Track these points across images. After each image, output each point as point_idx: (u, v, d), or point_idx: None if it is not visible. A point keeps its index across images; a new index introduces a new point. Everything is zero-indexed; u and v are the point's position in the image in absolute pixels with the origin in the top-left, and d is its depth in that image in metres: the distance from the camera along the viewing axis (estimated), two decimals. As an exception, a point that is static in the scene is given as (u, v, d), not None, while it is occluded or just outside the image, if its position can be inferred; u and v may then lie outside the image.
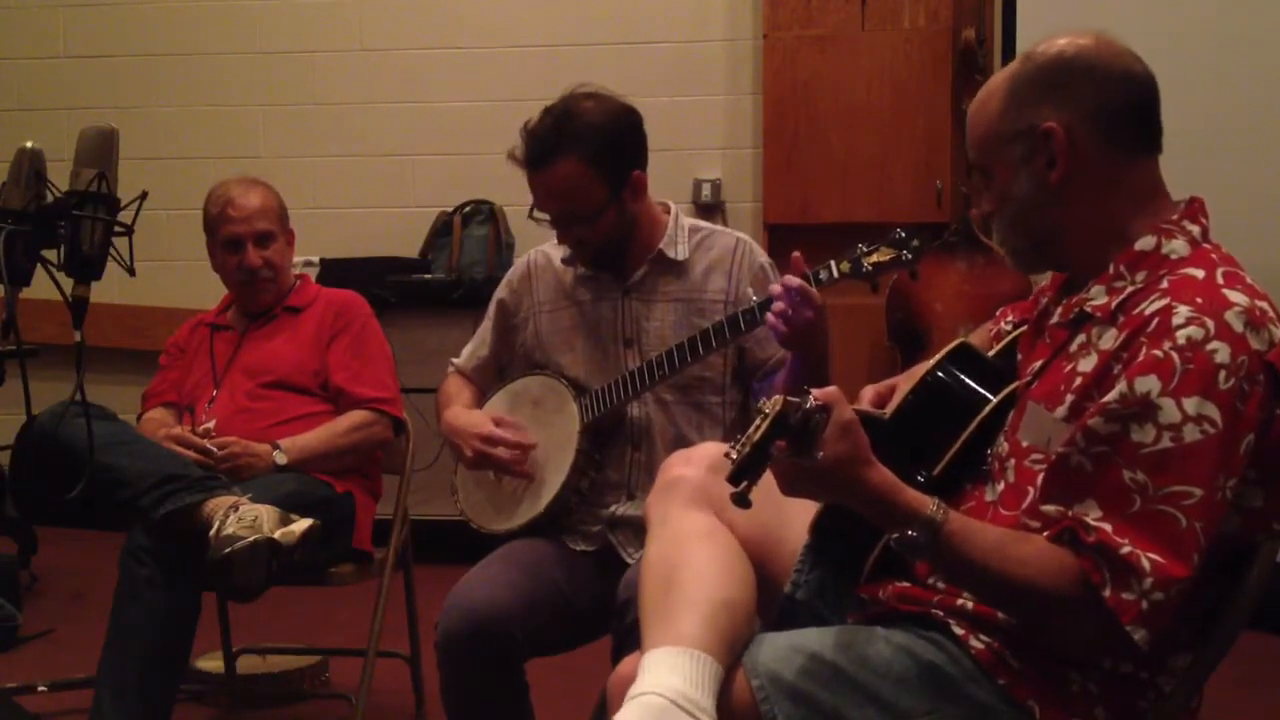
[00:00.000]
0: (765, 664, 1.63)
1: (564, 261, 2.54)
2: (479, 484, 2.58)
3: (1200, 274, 1.56)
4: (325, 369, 3.05)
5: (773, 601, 1.83)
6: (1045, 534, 1.54)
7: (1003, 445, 1.69)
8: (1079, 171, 1.63)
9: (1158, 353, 1.50)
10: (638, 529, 2.24)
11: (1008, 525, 1.59)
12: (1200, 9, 4.09)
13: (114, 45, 5.32)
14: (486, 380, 2.66)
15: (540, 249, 2.62)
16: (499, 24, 5.13)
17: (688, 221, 2.54)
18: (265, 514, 2.52)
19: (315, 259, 4.84)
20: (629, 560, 2.37)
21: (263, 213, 3.10)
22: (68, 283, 2.05)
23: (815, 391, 1.51)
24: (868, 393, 1.91)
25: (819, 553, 1.83)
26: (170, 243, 4.91)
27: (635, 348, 2.47)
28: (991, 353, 1.87)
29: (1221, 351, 1.48)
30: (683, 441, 2.33)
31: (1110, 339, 1.57)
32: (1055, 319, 1.69)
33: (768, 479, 1.53)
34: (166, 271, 4.98)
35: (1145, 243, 1.62)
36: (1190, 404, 1.48)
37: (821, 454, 1.50)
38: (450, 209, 4.99)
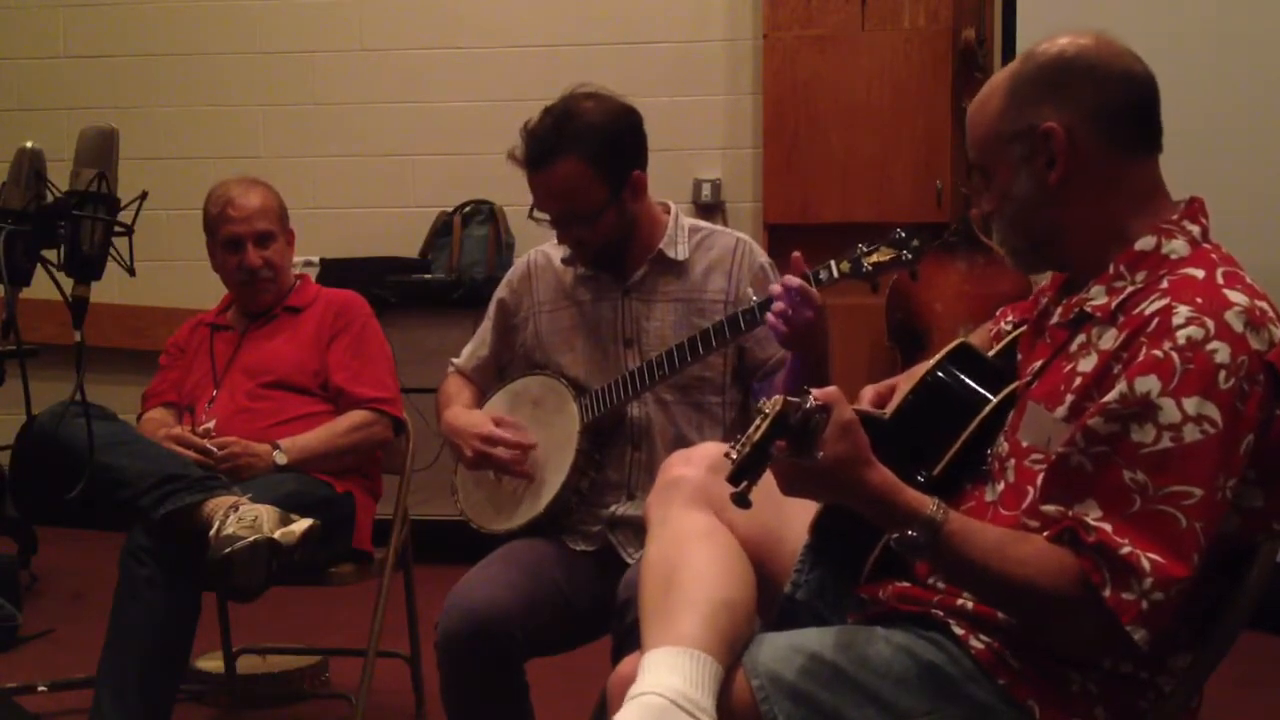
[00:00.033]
0: (765, 664, 1.63)
1: (564, 261, 2.54)
2: (479, 484, 2.58)
3: (1200, 274, 1.56)
4: (325, 369, 3.05)
5: (773, 601, 1.83)
6: (1045, 534, 1.54)
7: (1003, 445, 1.69)
8: (1079, 171, 1.63)
9: (1158, 353, 1.50)
10: (638, 529, 2.24)
11: (1008, 525, 1.59)
12: (1200, 9, 4.09)
13: (114, 45, 5.33)
14: (486, 380, 2.66)
15: (540, 249, 2.62)
16: (499, 24, 5.13)
17: (688, 221, 2.54)
18: (265, 514, 2.52)
19: (315, 259, 4.84)
20: (629, 560, 2.37)
21: (263, 213, 3.10)
22: (68, 283, 2.05)
23: (815, 391, 1.51)
24: (868, 393, 1.91)
25: (819, 553, 1.83)
26: (170, 243, 4.91)
27: (635, 348, 2.47)
28: (991, 353, 1.88)
29: (1221, 351, 1.48)
30: (683, 441, 2.33)
31: (1110, 339, 1.57)
32: (1055, 319, 1.69)
33: (768, 479, 1.53)
34: (166, 271, 4.98)
35: (1145, 243, 1.62)
36: (1190, 404, 1.48)
37: (821, 454, 1.50)
38: (450, 209, 4.99)
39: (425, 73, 5.18)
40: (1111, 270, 1.62)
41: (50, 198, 2.06)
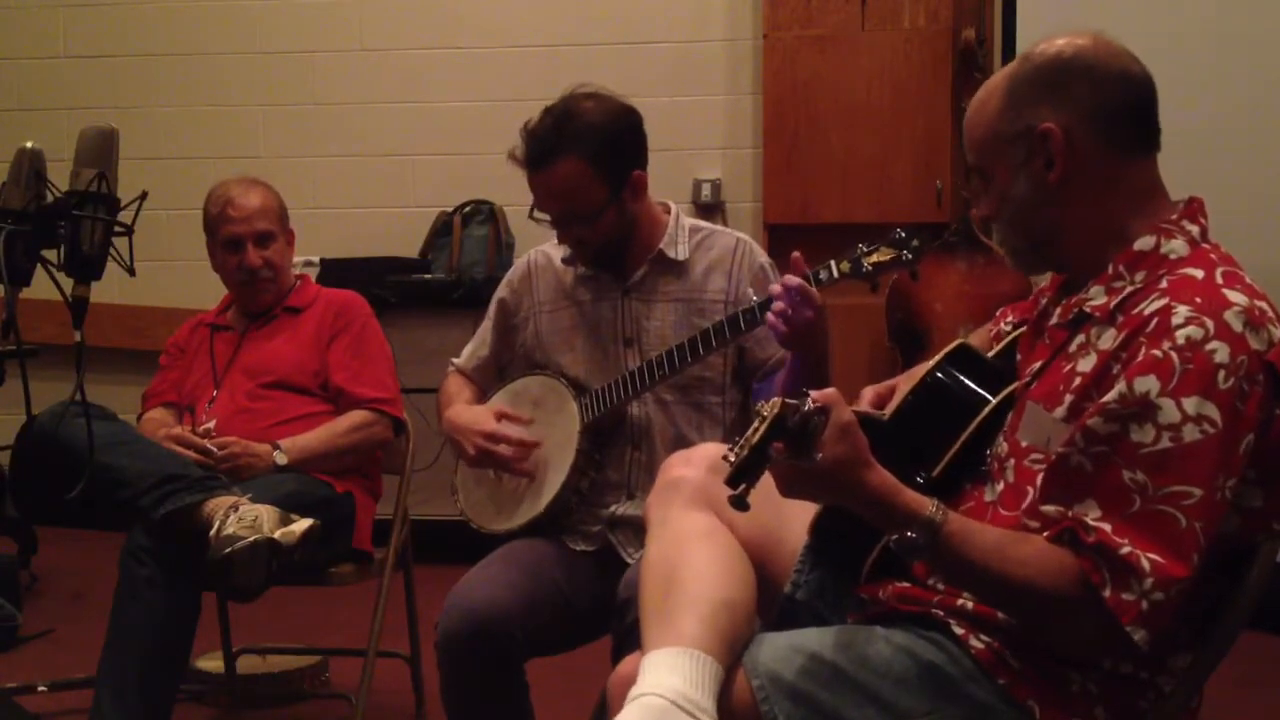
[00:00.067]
0: (765, 664, 1.63)
1: (564, 261, 2.54)
2: (480, 482, 2.58)
3: (1199, 274, 1.56)
4: (325, 369, 3.05)
5: (773, 601, 1.83)
6: (1045, 534, 1.54)
7: (1002, 446, 1.69)
8: (1078, 172, 1.63)
9: (1157, 353, 1.50)
10: (638, 529, 2.24)
11: (1007, 526, 1.59)
12: (1200, 9, 4.09)
13: (114, 45, 5.33)
14: (487, 380, 2.66)
15: (540, 249, 2.62)
16: (499, 24, 5.13)
17: (688, 221, 2.54)
18: (265, 514, 2.52)
19: (315, 259, 4.84)
20: (629, 560, 2.37)
21: (263, 213, 3.10)
22: (68, 283, 2.05)
23: (814, 393, 1.51)
24: (867, 393, 1.91)
25: (819, 553, 1.83)
26: (170, 243, 4.91)
27: (635, 347, 2.47)
28: (991, 353, 1.87)
29: (1221, 351, 1.49)
30: (683, 441, 2.34)
31: (1109, 339, 1.57)
32: (1054, 319, 1.70)
33: (767, 480, 1.53)
34: (166, 271, 4.98)
35: (1144, 243, 1.62)
36: (1190, 404, 1.48)
37: (820, 456, 1.50)
38: (450, 209, 4.99)
39: (425, 73, 5.18)
40: (1110, 270, 1.63)
41: (50, 198, 2.06)
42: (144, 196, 2.10)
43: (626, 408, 2.44)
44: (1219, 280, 1.55)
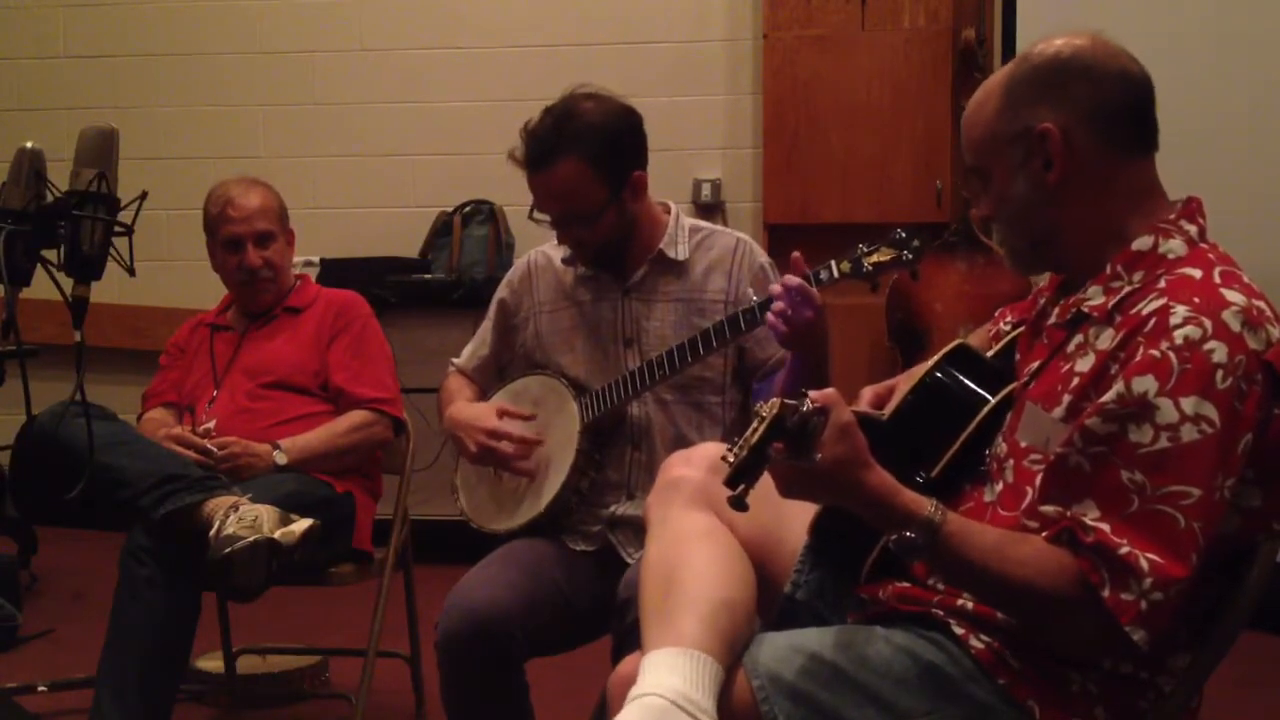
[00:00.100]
0: (765, 664, 1.63)
1: (564, 262, 2.54)
2: (480, 480, 2.58)
3: (1198, 273, 1.56)
4: (325, 369, 3.05)
5: (773, 602, 1.83)
6: (1044, 534, 1.54)
7: (1001, 446, 1.69)
8: (1076, 172, 1.63)
9: (1155, 353, 1.50)
10: (638, 529, 2.24)
11: (1007, 526, 1.59)
12: (1200, 9, 4.09)
13: (114, 45, 5.33)
14: (487, 380, 2.67)
15: (540, 249, 2.62)
16: (499, 24, 5.13)
17: (688, 221, 2.54)
18: (265, 514, 2.52)
19: (315, 259, 4.84)
20: (629, 560, 2.37)
21: (263, 213, 3.10)
22: (68, 283, 2.06)
23: (813, 394, 1.51)
24: (866, 393, 1.91)
25: (819, 553, 1.83)
26: (170, 243, 4.91)
27: (635, 348, 2.47)
28: (990, 353, 1.87)
29: (1219, 351, 1.49)
30: (683, 441, 2.34)
31: (1107, 339, 1.57)
32: (1053, 319, 1.70)
33: (767, 480, 1.53)
34: (166, 271, 4.98)
35: (1142, 243, 1.62)
36: (1188, 404, 1.48)
37: (819, 456, 1.50)
38: (450, 209, 4.99)
39: (425, 73, 5.18)
40: (1109, 270, 1.63)
41: (50, 198, 2.06)
42: (144, 196, 2.10)
43: (626, 408, 2.44)
44: (1217, 280, 1.55)
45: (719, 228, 2.56)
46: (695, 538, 1.77)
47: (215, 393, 3.04)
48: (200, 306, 3.45)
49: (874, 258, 2.18)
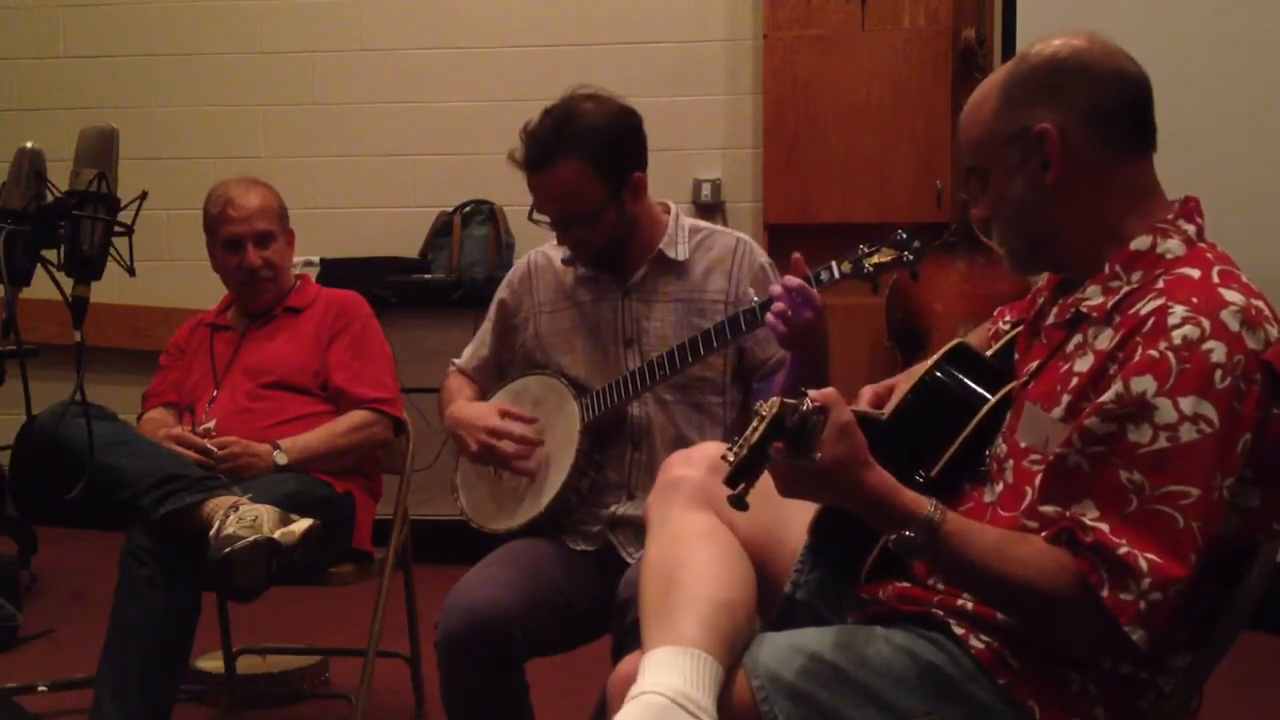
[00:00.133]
0: (765, 664, 1.63)
1: (564, 262, 2.54)
2: (481, 479, 2.58)
3: (1196, 273, 1.56)
4: (325, 369, 3.05)
5: (773, 602, 1.83)
6: (1043, 534, 1.54)
7: (1000, 446, 1.69)
8: (1074, 172, 1.63)
9: (1153, 353, 1.50)
10: (638, 529, 2.24)
11: (1007, 526, 1.59)
12: (1200, 9, 4.09)
13: (114, 45, 5.33)
14: (487, 380, 2.67)
15: (540, 249, 2.62)
16: (499, 24, 5.13)
17: (688, 222, 2.54)
18: (265, 514, 2.52)
19: (315, 259, 4.85)
20: (629, 560, 2.37)
21: (263, 213, 3.10)
22: (68, 283, 2.06)
23: (812, 393, 1.51)
24: (866, 393, 1.91)
25: (819, 553, 1.83)
26: (170, 243, 4.91)
27: (635, 348, 2.47)
28: (990, 352, 1.87)
29: (1218, 351, 1.49)
30: (683, 441, 2.34)
31: (1106, 339, 1.57)
32: (1051, 319, 1.70)
33: (767, 480, 1.53)
34: (166, 271, 4.99)
35: (1141, 242, 1.62)
36: (1186, 404, 1.48)
37: (819, 455, 1.50)
38: (450, 209, 4.99)
39: (425, 73, 5.18)
40: (1107, 270, 1.63)
41: (50, 198, 2.06)
42: (144, 196, 2.10)
43: (627, 408, 2.44)
44: (1215, 279, 1.55)
45: (719, 228, 2.56)
46: (695, 538, 1.77)
47: (215, 393, 3.04)
48: (200, 306, 3.45)
49: (875, 259, 2.19)
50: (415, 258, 4.98)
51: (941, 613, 1.65)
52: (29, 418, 2.26)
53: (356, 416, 3.01)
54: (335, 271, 4.74)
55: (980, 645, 1.61)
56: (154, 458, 2.67)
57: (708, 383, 2.46)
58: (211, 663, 3.37)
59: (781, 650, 1.65)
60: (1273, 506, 1.57)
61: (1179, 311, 1.51)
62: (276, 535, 2.49)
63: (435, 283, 4.80)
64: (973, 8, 4.66)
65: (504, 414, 2.50)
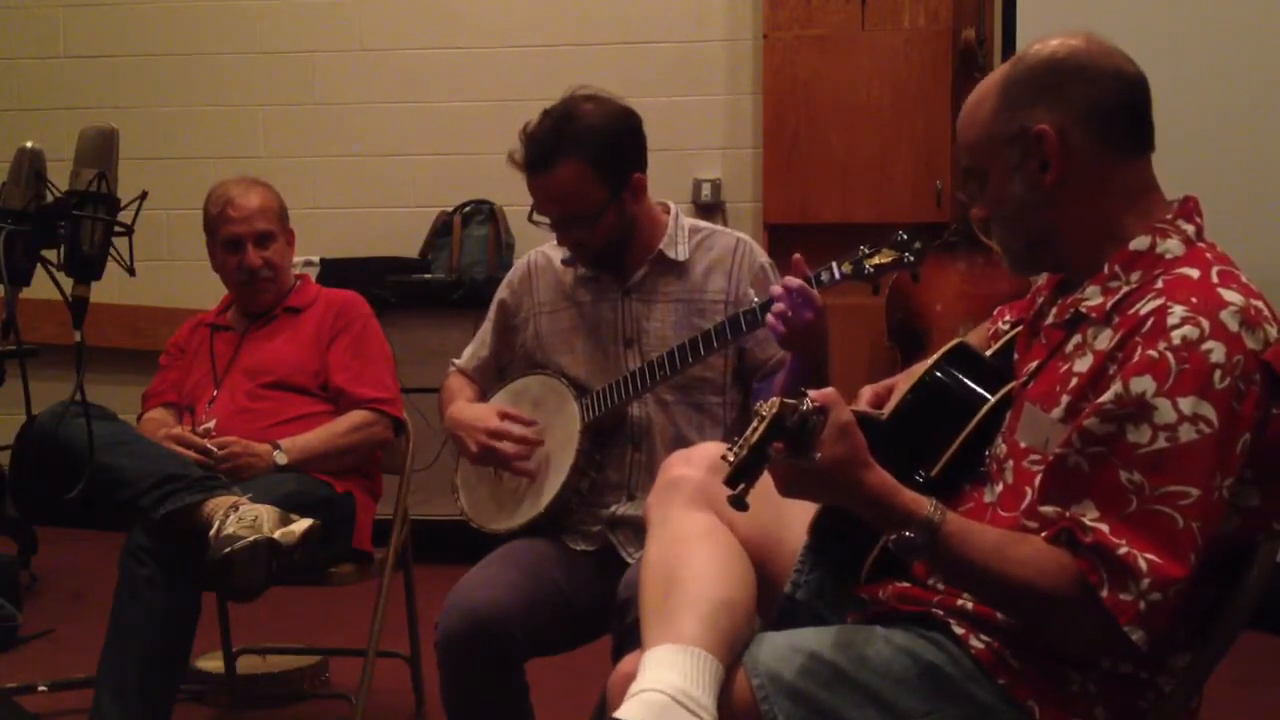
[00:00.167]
0: (765, 663, 1.63)
1: (564, 262, 2.54)
2: (481, 479, 2.58)
3: (1195, 273, 1.56)
4: (325, 369, 3.05)
5: (773, 601, 1.83)
6: (1043, 535, 1.54)
7: (1000, 447, 1.69)
8: (1073, 173, 1.63)
9: (1153, 353, 1.50)
10: (638, 529, 2.24)
11: (1007, 527, 1.59)
12: (1200, 9, 4.09)
13: (114, 45, 5.33)
14: (487, 380, 2.67)
15: (540, 249, 2.62)
16: (499, 24, 5.13)
17: (688, 222, 2.54)
18: (265, 514, 2.52)
19: (315, 259, 4.85)
20: (629, 560, 2.37)
21: (263, 213, 3.10)
22: (68, 283, 2.06)
23: (812, 393, 1.51)
24: (865, 393, 1.91)
25: (818, 553, 1.83)
26: (170, 243, 4.92)
27: (635, 348, 2.47)
28: (989, 352, 1.87)
29: (1217, 351, 1.49)
30: (683, 442, 2.33)
31: (1106, 339, 1.57)
32: (1050, 319, 1.70)
33: (767, 480, 1.53)
34: (166, 271, 4.99)
35: (1140, 242, 1.62)
36: (1186, 404, 1.48)
37: (819, 455, 1.50)
38: (450, 209, 4.99)
39: (425, 73, 5.18)
40: (1106, 270, 1.63)
41: (50, 198, 2.06)
42: (144, 196, 2.10)
43: (627, 408, 2.44)
44: (1215, 279, 1.55)
45: (719, 228, 2.56)
46: (695, 537, 1.77)
47: (215, 393, 3.04)
48: (200, 306, 3.45)
49: (875, 259, 2.19)
50: (415, 258, 4.98)
51: (941, 613, 1.65)
52: (29, 418, 2.26)
53: (356, 416, 3.01)
54: (335, 271, 4.74)
55: (980, 645, 1.61)
56: (154, 458, 2.67)
57: (708, 383, 2.46)
58: (211, 663, 3.37)
59: (781, 650, 1.65)
60: (1272, 506, 1.57)
61: (1178, 312, 1.51)
62: (276, 535, 2.49)
63: (435, 283, 4.80)
64: (973, 8, 4.66)
65: (504, 415, 2.50)
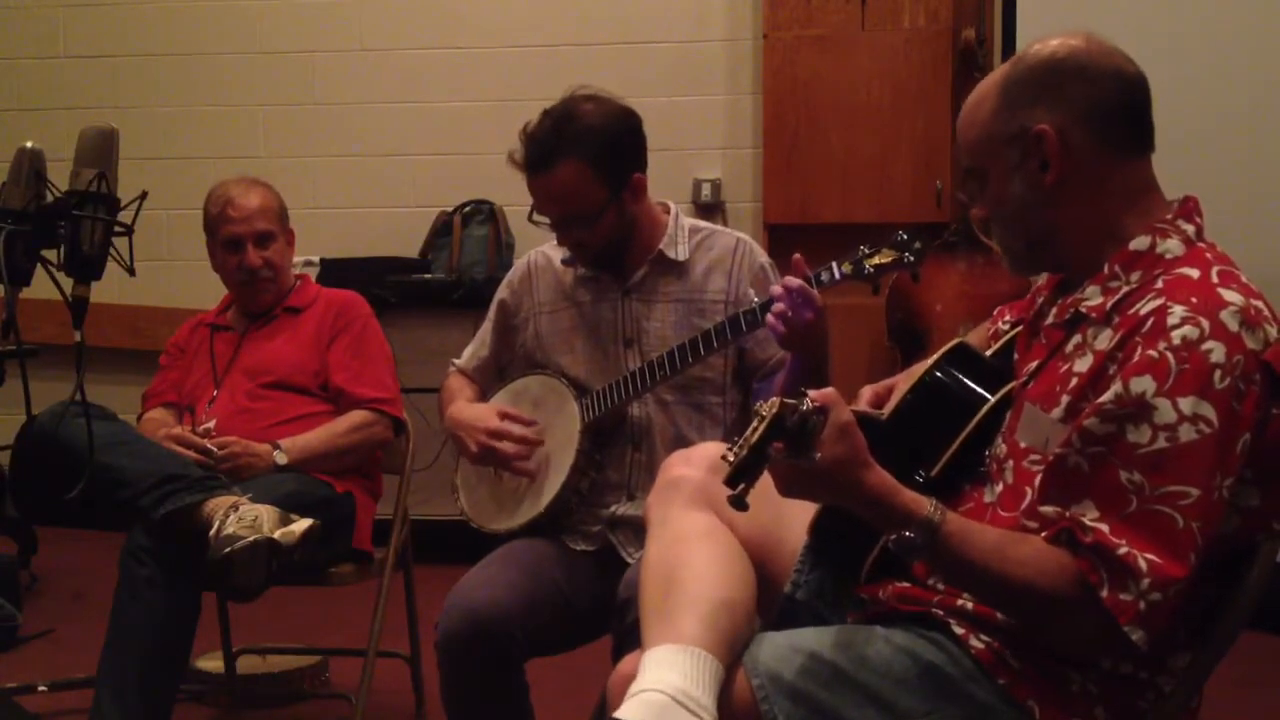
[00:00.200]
0: (765, 663, 1.63)
1: (564, 262, 2.54)
2: (481, 480, 2.58)
3: (1195, 273, 1.56)
4: (325, 369, 3.05)
5: (773, 601, 1.83)
6: (1043, 535, 1.54)
7: (1000, 447, 1.69)
8: (1073, 173, 1.63)
9: (1153, 353, 1.50)
10: (638, 529, 2.24)
11: (1007, 527, 1.59)
12: (1200, 9, 4.09)
13: (114, 45, 5.33)
14: (487, 380, 2.67)
15: (540, 249, 2.62)
16: (499, 24, 5.13)
17: (688, 222, 2.54)
18: (265, 514, 2.52)
19: (315, 259, 4.85)
20: (629, 560, 2.37)
21: (263, 213, 3.10)
22: (68, 283, 2.06)
23: (812, 393, 1.51)
24: (865, 393, 1.91)
25: (818, 553, 1.83)
26: (170, 243, 4.92)
27: (635, 348, 2.47)
28: (989, 352, 1.87)
29: (1217, 351, 1.49)
30: (683, 442, 2.33)
31: (1105, 339, 1.57)
32: (1050, 319, 1.70)
33: (767, 480, 1.53)
34: (166, 271, 4.99)
35: (1140, 242, 1.62)
36: (1186, 404, 1.48)
37: (819, 455, 1.50)
38: (450, 209, 4.99)
39: (425, 73, 5.18)
40: (1106, 270, 1.63)
41: (50, 198, 2.06)
42: (144, 196, 2.10)
43: (627, 408, 2.44)
44: (1215, 279, 1.55)
45: (719, 228, 2.56)
46: (695, 537, 1.77)
47: (215, 393, 3.04)
48: (200, 306, 3.45)
49: (876, 260, 2.19)
50: (415, 258, 4.98)
51: (941, 613, 1.65)
52: (29, 418, 2.26)
53: (356, 416, 3.01)
54: (335, 271, 4.74)
55: (980, 645, 1.61)
56: (154, 458, 2.67)
57: (708, 383, 2.46)
58: (211, 663, 3.37)
59: (782, 649, 1.65)
60: (1272, 506, 1.57)
61: (1178, 312, 1.51)
62: (276, 535, 2.49)
63: (435, 283, 4.80)
64: (973, 8, 4.66)
65: (503, 415, 2.50)
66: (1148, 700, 1.60)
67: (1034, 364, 1.69)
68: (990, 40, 4.61)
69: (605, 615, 2.26)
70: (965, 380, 1.78)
